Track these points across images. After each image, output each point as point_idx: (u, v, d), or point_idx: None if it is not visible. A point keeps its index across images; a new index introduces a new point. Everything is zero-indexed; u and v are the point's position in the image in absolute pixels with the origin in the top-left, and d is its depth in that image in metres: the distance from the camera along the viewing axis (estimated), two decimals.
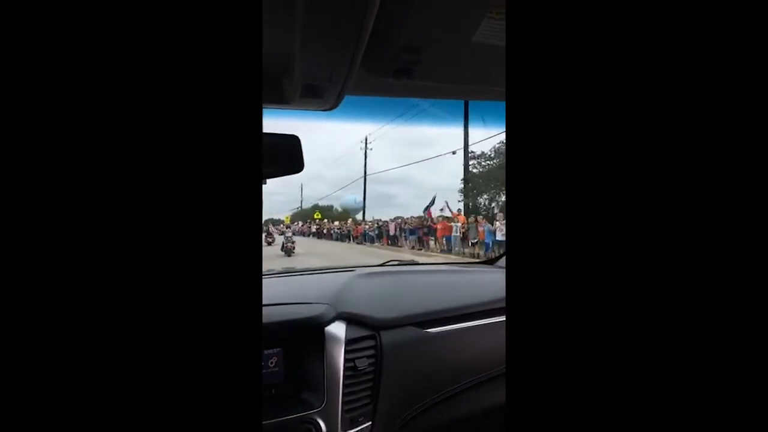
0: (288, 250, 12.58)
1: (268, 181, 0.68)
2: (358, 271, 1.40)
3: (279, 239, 15.55)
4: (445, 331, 1.04)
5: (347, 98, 0.57)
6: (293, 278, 1.43)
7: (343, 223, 21.89)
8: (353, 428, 0.87)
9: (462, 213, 12.61)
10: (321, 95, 0.58)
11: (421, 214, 14.26)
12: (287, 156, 0.58)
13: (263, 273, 1.41)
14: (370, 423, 0.89)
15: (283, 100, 0.57)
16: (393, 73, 0.55)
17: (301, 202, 43.67)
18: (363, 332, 0.95)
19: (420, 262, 1.88)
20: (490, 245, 8.99)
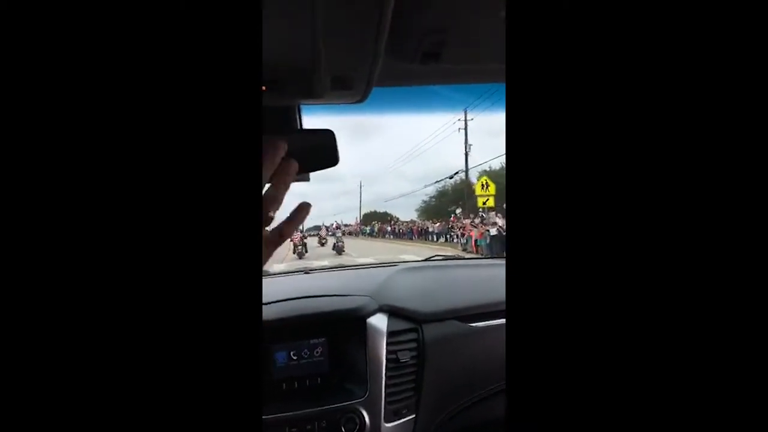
0: (339, 249, 13.97)
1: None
2: (401, 266, 1.40)
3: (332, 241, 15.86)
4: (490, 325, 1.01)
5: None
6: (338, 273, 1.47)
7: None
8: (397, 420, 0.87)
9: None
10: (350, 87, 0.58)
11: None
12: (322, 151, 0.59)
13: (314, 268, 1.47)
14: (413, 416, 0.89)
15: (315, 95, 0.59)
16: (420, 58, 0.54)
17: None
18: (405, 325, 0.95)
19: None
20: None
